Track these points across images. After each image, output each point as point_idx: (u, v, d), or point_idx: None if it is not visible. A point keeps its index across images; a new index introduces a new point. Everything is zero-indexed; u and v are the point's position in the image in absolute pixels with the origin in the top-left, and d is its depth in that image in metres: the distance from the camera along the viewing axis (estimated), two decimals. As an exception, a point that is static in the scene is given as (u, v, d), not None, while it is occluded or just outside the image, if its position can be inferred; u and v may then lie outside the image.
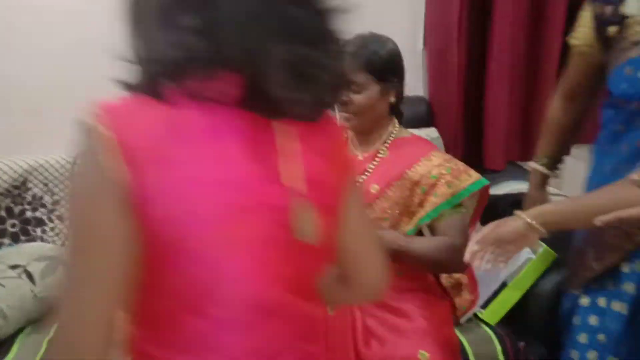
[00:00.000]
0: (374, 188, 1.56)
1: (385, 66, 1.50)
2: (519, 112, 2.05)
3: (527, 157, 2.09)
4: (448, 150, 2.08)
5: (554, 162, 1.47)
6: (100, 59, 2.13)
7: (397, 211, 1.55)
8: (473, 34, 2.05)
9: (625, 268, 1.19)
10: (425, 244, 1.50)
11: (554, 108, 1.45)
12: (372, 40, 1.52)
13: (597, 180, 1.26)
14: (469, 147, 2.15)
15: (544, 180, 1.49)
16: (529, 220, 1.15)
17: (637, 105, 1.15)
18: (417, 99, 2.22)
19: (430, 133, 2.08)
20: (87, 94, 2.19)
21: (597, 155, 1.30)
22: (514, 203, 1.57)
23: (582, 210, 1.12)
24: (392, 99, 1.54)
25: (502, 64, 1.99)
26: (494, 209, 1.57)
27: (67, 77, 2.13)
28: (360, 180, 1.59)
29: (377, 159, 1.59)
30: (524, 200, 1.50)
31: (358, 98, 1.48)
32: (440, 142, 2.07)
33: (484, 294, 1.67)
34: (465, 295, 1.60)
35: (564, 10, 1.99)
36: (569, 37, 1.36)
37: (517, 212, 1.20)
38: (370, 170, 1.59)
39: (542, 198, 1.47)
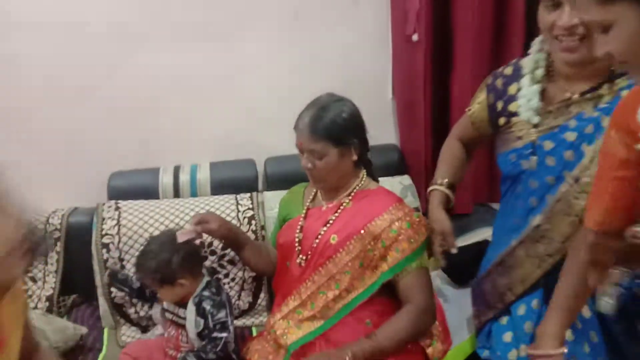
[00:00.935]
0: (334, 239, 1.60)
1: (343, 132, 1.57)
2: (484, 156, 2.11)
3: (495, 198, 2.14)
4: (420, 196, 2.12)
5: (451, 185, 1.61)
6: (69, 110, 2.18)
7: (358, 265, 1.57)
8: (437, 85, 2.13)
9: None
10: (392, 333, 1.53)
11: (449, 144, 1.68)
12: (328, 107, 1.59)
13: (500, 228, 1.57)
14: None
15: (445, 200, 1.60)
16: None
17: (522, 177, 1.41)
18: (389, 147, 2.28)
19: (402, 180, 2.13)
20: (61, 151, 2.24)
21: (501, 209, 1.59)
22: (479, 253, 1.65)
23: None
24: (354, 157, 1.61)
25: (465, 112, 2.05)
26: (459, 259, 1.60)
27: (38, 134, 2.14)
28: (322, 232, 1.63)
29: (339, 210, 1.64)
30: (428, 219, 1.62)
31: (320, 164, 1.57)
32: (413, 189, 2.12)
33: (455, 342, 1.69)
34: (438, 346, 1.62)
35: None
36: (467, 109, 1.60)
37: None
38: (331, 221, 1.63)
39: (443, 217, 1.56)
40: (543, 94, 1.37)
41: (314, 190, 1.75)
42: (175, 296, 1.61)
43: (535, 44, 1.42)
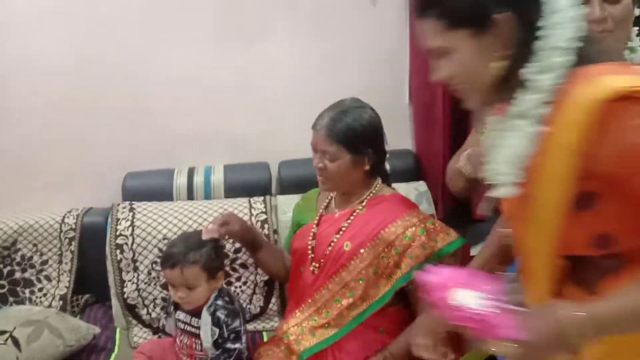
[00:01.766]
0: (347, 245, 1.58)
1: (359, 139, 1.56)
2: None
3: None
4: (436, 203, 2.09)
5: None
6: (85, 111, 2.21)
7: (372, 273, 1.56)
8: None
9: None
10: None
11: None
12: (349, 112, 1.57)
13: None
14: (456, 200, 2.16)
15: None
16: None
17: None
18: (405, 153, 2.26)
19: (418, 187, 2.10)
20: (77, 152, 2.30)
21: None
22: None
23: None
24: (367, 167, 1.60)
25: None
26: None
27: (55, 134, 2.17)
28: (334, 239, 1.61)
29: (352, 216, 1.62)
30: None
31: (331, 166, 1.57)
32: (428, 196, 2.09)
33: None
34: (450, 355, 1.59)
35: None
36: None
37: None
38: (344, 228, 1.61)
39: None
40: None
41: (328, 196, 1.74)
42: (195, 299, 1.59)
43: None
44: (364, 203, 1.64)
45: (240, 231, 1.71)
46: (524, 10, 0.86)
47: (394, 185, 1.79)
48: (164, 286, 1.91)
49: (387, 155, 1.69)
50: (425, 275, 0.96)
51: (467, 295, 0.88)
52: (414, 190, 2.08)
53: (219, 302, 1.61)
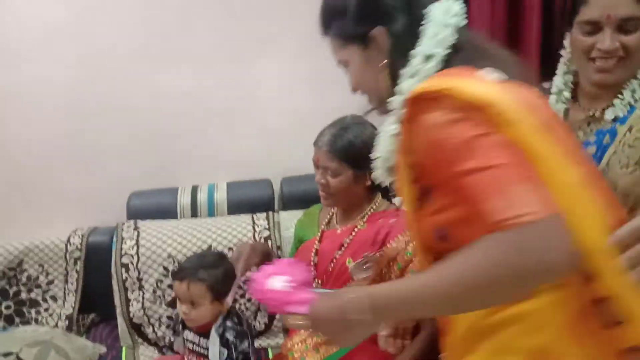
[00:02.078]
0: (349, 262, 1.58)
1: (360, 155, 1.53)
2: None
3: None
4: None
5: None
6: (90, 131, 2.23)
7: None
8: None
9: None
10: None
11: None
12: (350, 128, 1.59)
13: None
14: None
15: None
16: None
17: None
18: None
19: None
20: (81, 172, 2.31)
21: None
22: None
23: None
24: (368, 182, 1.60)
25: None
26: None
27: (59, 154, 2.19)
28: (336, 255, 1.61)
29: (354, 232, 1.63)
30: None
31: (333, 182, 1.58)
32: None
33: None
34: None
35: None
36: None
37: None
38: (346, 244, 1.62)
39: None
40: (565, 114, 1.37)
41: (330, 212, 1.75)
42: (198, 317, 1.59)
43: (562, 65, 1.39)
44: (365, 219, 1.65)
45: (261, 258, 1.65)
46: (394, 24, 0.97)
47: (396, 199, 1.80)
48: (169, 304, 1.92)
49: None
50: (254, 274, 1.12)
51: (275, 279, 1.04)
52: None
53: (228, 323, 1.62)
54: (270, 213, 2.11)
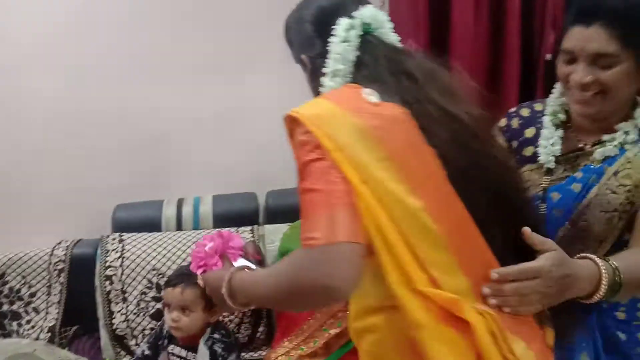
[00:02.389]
0: None
1: None
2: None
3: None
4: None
5: None
6: (74, 143, 2.24)
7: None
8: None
9: None
10: None
11: None
12: None
13: None
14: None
15: None
16: None
17: None
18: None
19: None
20: (66, 184, 2.31)
21: None
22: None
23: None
24: None
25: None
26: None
27: (44, 166, 2.19)
28: None
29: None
30: None
31: None
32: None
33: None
34: None
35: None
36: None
37: None
38: None
39: None
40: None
41: None
42: (187, 325, 1.61)
43: (557, 87, 1.35)
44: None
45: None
46: (312, 50, 1.11)
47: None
48: (153, 316, 1.93)
49: None
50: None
51: (208, 246, 1.17)
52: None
53: (216, 336, 1.64)
54: (255, 226, 2.13)
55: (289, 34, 1.19)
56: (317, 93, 1.11)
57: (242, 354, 1.97)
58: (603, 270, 1.00)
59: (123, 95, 2.21)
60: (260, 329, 1.99)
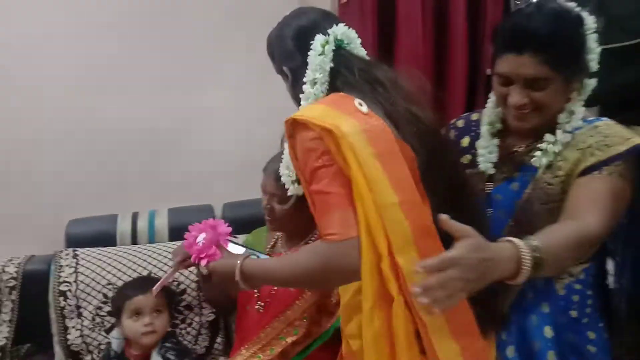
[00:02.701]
0: None
1: None
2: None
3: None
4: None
5: None
6: (27, 158, 2.22)
7: (315, 311, 1.63)
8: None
9: None
10: None
11: None
12: None
13: None
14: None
15: None
16: None
17: None
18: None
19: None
20: (18, 199, 2.28)
21: None
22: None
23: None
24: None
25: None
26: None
27: None
28: None
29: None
30: None
31: (278, 208, 1.66)
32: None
33: None
34: None
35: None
36: None
37: None
38: None
39: None
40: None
41: (274, 236, 1.82)
42: (160, 326, 1.70)
43: (492, 98, 1.46)
44: (309, 243, 1.70)
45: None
46: (292, 63, 1.29)
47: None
48: (109, 331, 1.92)
49: None
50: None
51: (200, 236, 1.33)
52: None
53: (168, 344, 1.69)
54: (212, 238, 2.15)
55: (271, 48, 1.35)
56: (298, 100, 1.27)
57: (200, 365, 1.99)
58: (521, 250, 1.02)
59: (76, 109, 2.21)
60: (218, 339, 2.02)
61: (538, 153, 1.33)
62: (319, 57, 1.22)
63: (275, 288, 1.68)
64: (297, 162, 1.17)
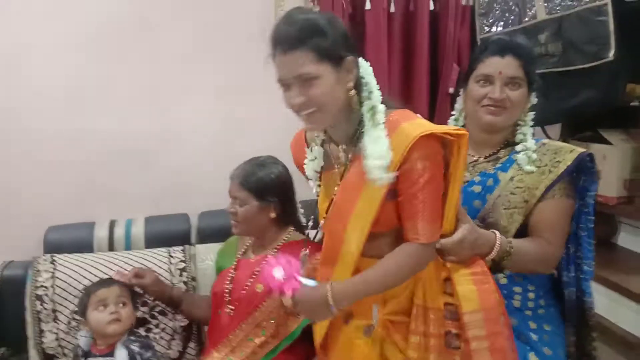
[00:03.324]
0: (259, 288, 1.74)
1: (266, 189, 1.77)
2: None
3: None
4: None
5: None
6: (6, 165, 2.26)
7: (282, 312, 1.71)
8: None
9: None
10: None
11: None
12: (263, 165, 1.80)
13: None
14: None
15: None
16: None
17: None
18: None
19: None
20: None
21: None
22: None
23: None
24: (273, 214, 1.80)
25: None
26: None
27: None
28: (248, 283, 1.77)
29: (265, 260, 1.75)
30: None
31: (240, 210, 1.77)
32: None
33: None
34: None
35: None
36: None
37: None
38: (257, 272, 1.77)
39: None
40: None
41: (246, 243, 1.90)
42: (125, 315, 1.75)
43: (456, 111, 1.74)
44: (277, 249, 1.81)
45: (151, 286, 1.89)
46: (356, 57, 1.30)
47: (311, 231, 1.99)
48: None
49: (300, 207, 1.90)
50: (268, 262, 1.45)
51: (276, 270, 1.38)
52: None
53: (132, 337, 1.76)
54: (187, 246, 2.22)
55: (322, 29, 1.26)
56: (360, 97, 1.34)
57: (173, 369, 2.05)
58: (497, 239, 1.47)
59: (56, 122, 2.28)
60: (191, 344, 2.08)
61: (523, 159, 1.59)
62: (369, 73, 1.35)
63: (244, 291, 1.76)
64: (403, 165, 1.27)
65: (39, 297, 1.98)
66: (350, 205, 1.35)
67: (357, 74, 1.32)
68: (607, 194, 2.38)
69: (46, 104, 2.26)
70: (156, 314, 2.04)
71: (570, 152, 1.57)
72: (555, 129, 2.63)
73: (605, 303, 2.26)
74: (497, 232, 1.49)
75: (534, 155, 1.58)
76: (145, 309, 2.02)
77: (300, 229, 1.91)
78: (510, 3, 2.39)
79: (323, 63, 1.23)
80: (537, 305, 1.64)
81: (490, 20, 2.44)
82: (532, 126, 1.65)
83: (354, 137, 1.36)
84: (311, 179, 1.52)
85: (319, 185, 1.51)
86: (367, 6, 2.37)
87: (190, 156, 2.42)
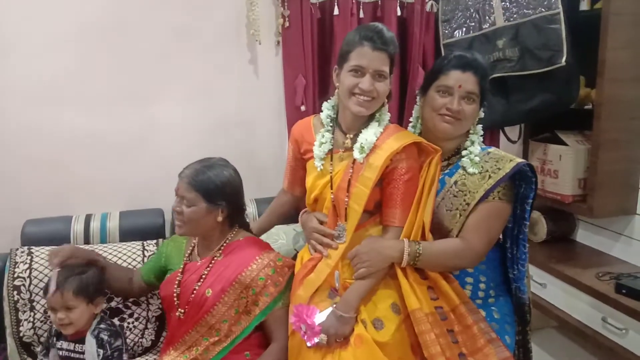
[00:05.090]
0: (208, 292, 1.77)
1: (215, 192, 1.75)
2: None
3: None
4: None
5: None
6: None
7: (234, 313, 1.76)
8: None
9: None
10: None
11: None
12: (213, 167, 1.79)
13: None
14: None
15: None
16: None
17: None
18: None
19: (296, 227, 2.38)
20: None
21: None
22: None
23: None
24: (220, 218, 1.79)
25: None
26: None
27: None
28: (196, 287, 1.79)
29: (211, 264, 1.81)
30: None
31: (187, 211, 1.76)
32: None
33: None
34: None
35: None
36: None
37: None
38: (205, 276, 1.79)
39: None
40: None
41: (192, 243, 1.91)
42: (75, 319, 1.75)
43: (413, 119, 1.86)
44: (221, 250, 1.82)
45: (71, 251, 1.85)
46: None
47: (276, 227, 2.12)
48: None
49: (245, 210, 1.93)
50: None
51: (311, 318, 1.63)
52: (293, 230, 2.36)
53: (102, 326, 1.82)
54: (161, 240, 2.29)
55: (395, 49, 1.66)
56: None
57: (146, 357, 2.12)
58: (406, 245, 1.62)
59: (35, 117, 2.33)
60: (164, 333, 2.15)
61: (467, 161, 1.73)
62: None
63: (193, 295, 1.79)
64: (395, 167, 1.63)
65: (16, 288, 2.05)
66: (354, 179, 1.67)
67: None
68: (563, 192, 2.51)
69: (24, 99, 2.31)
70: (130, 304, 2.12)
71: (510, 161, 1.70)
72: (515, 131, 2.76)
73: (561, 296, 2.39)
74: (405, 240, 1.64)
75: (477, 159, 1.72)
76: (119, 299, 2.10)
77: (245, 227, 1.93)
78: (471, 10, 2.50)
79: (391, 69, 1.66)
80: (488, 295, 1.78)
81: (453, 27, 2.56)
82: (482, 135, 1.81)
83: (360, 129, 1.69)
84: (317, 158, 1.75)
85: (322, 165, 1.75)
86: (336, 12, 2.45)
87: (166, 153, 2.50)
